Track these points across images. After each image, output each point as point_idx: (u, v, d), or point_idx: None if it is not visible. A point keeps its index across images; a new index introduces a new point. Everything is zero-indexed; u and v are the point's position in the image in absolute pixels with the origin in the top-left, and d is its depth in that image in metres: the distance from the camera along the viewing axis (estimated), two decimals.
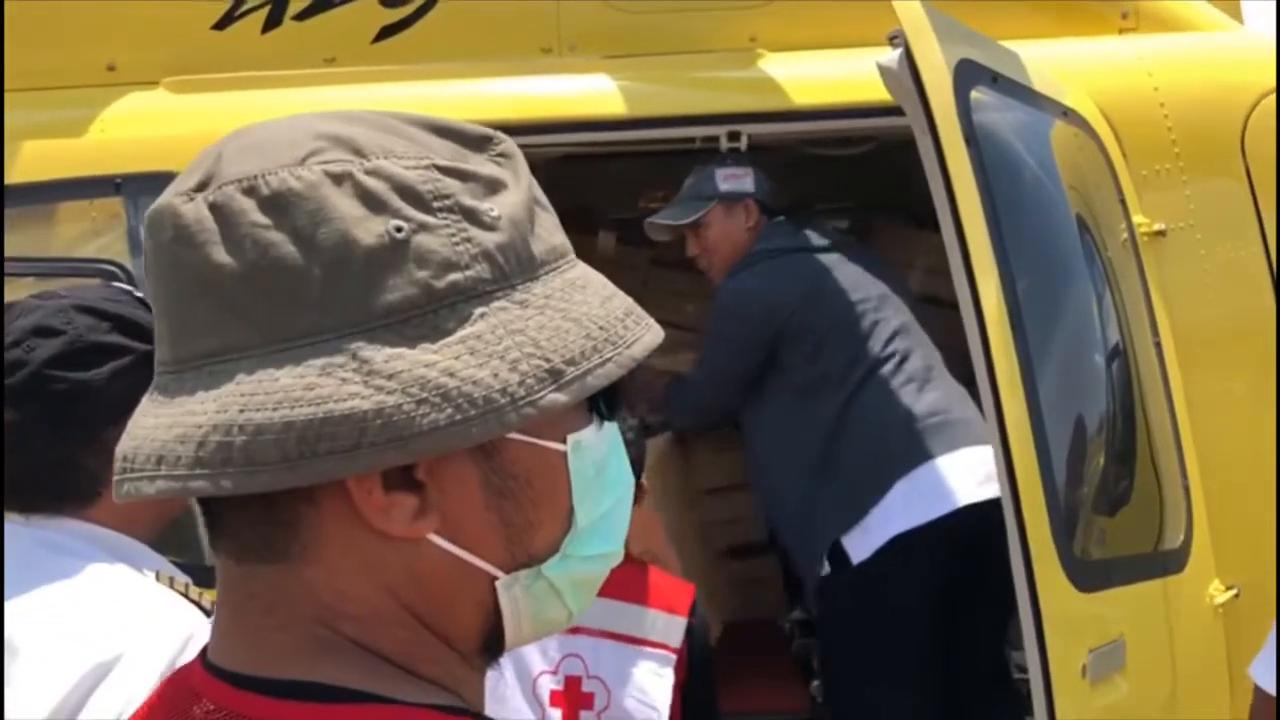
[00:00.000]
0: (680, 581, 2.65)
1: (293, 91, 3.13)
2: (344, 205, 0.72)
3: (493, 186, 0.78)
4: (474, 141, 0.80)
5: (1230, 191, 2.94)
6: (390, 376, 0.70)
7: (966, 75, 2.30)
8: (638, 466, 2.63)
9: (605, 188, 4.50)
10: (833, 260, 3.24)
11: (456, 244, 0.75)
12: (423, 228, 0.74)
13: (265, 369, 0.70)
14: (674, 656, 2.52)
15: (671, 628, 2.52)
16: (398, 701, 0.72)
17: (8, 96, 3.02)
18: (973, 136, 2.26)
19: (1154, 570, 2.64)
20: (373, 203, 0.72)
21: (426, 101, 3.12)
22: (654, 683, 2.50)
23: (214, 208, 0.72)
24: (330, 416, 0.68)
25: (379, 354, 0.70)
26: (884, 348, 3.10)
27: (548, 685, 2.46)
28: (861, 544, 3.01)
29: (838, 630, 3.16)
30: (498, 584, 0.78)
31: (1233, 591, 2.84)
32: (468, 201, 0.77)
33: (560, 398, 0.75)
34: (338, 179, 0.72)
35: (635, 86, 3.06)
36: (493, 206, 0.77)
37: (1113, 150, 2.85)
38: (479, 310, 0.74)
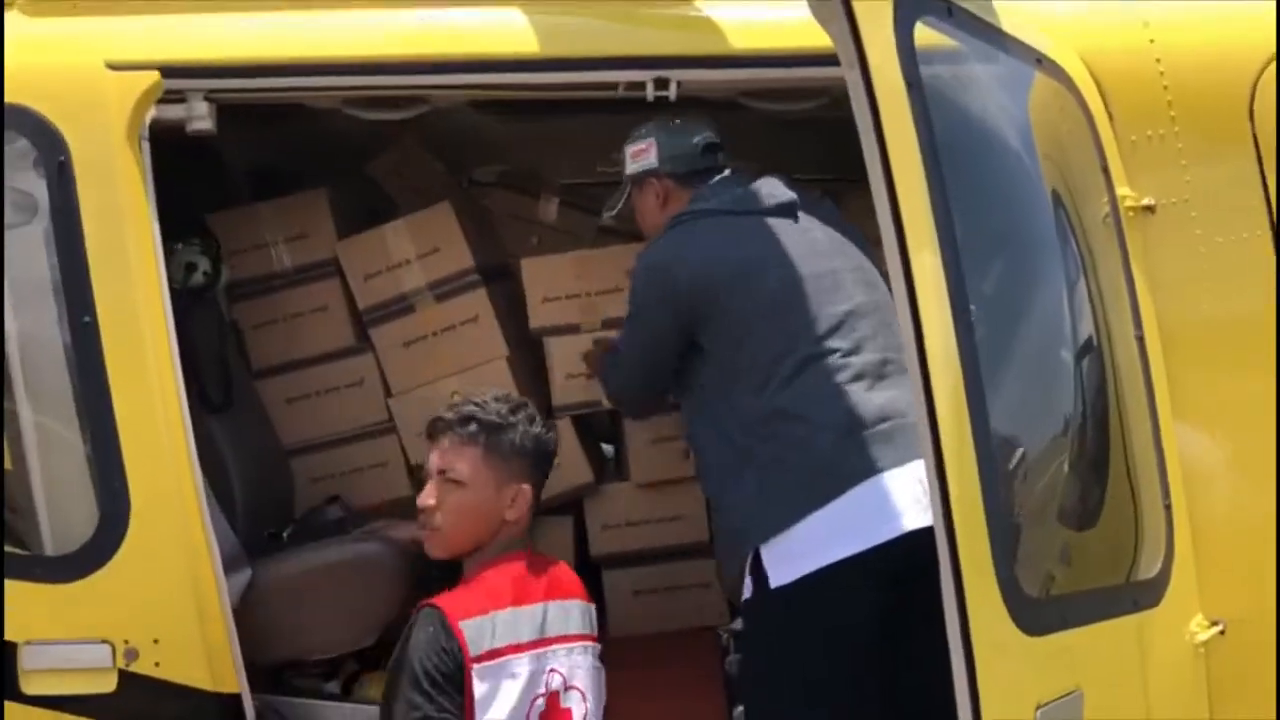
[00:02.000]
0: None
1: (162, 19, 2.74)
2: None
3: None
4: None
5: (1234, 164, 2.54)
6: None
7: (911, 2, 1.89)
8: (547, 459, 2.59)
9: (555, 150, 4.13)
10: (772, 225, 2.74)
11: None
12: None
13: None
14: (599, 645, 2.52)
15: (591, 615, 2.52)
16: None
17: None
18: (915, 78, 1.85)
19: (1122, 605, 2.25)
20: None
21: (319, 32, 2.74)
22: (599, 679, 2.50)
23: None
24: None
25: None
26: (828, 335, 2.63)
27: (539, 709, 2.39)
28: (785, 566, 2.55)
29: (756, 658, 2.74)
30: None
31: (1218, 628, 2.45)
32: None
33: None
34: None
35: (551, 22, 2.67)
36: None
37: (1097, 110, 2.46)
38: None
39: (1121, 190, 2.47)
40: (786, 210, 2.80)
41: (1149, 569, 2.38)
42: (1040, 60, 2.33)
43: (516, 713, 2.33)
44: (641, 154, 2.92)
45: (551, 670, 2.38)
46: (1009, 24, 2.25)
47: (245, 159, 3.98)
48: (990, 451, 1.89)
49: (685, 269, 2.71)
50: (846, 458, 2.52)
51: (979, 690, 1.79)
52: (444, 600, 2.35)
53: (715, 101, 2.94)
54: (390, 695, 2.33)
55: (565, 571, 2.58)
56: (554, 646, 2.38)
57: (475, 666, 2.30)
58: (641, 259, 2.87)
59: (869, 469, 2.51)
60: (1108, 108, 2.53)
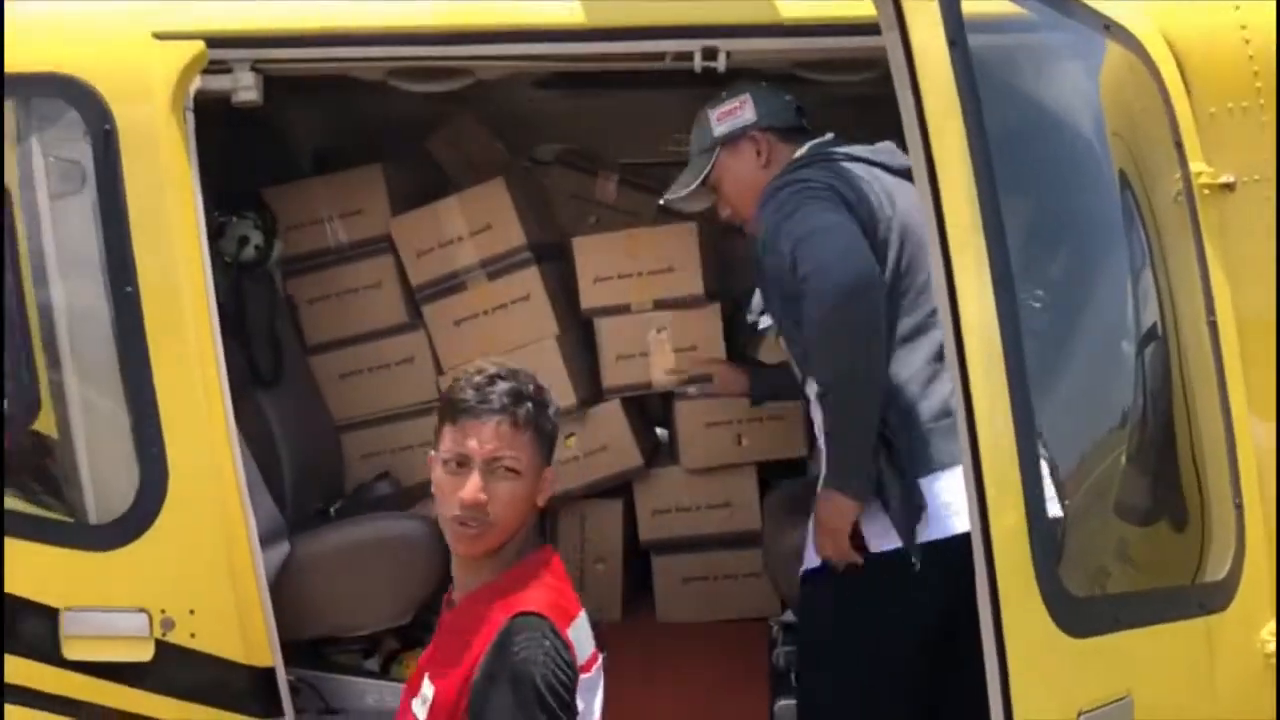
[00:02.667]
0: None
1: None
2: None
3: None
4: None
5: None
6: None
7: None
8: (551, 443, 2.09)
9: (615, 128, 4.05)
10: (901, 184, 2.48)
11: None
12: None
13: None
14: None
15: None
16: None
17: None
18: (960, 38, 1.73)
19: (1184, 608, 2.10)
20: None
21: (364, 3, 2.69)
22: None
23: None
24: None
25: None
26: (936, 313, 2.38)
27: None
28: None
29: (811, 630, 2.63)
30: None
31: None
32: None
33: None
34: None
35: None
36: None
37: (1171, 80, 2.29)
38: None
39: (1196, 166, 2.30)
40: (908, 176, 2.50)
41: (1216, 571, 2.22)
42: (1108, 26, 2.18)
43: None
44: (734, 112, 2.71)
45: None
46: None
47: (309, 136, 4.00)
48: (1033, 441, 1.77)
49: (840, 189, 2.41)
50: (939, 441, 2.34)
51: (1011, 690, 1.68)
52: (538, 606, 1.94)
53: (767, 75, 2.83)
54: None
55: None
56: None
57: (580, 679, 1.95)
58: (778, 190, 2.47)
59: (956, 457, 2.23)
60: (1185, 79, 2.36)
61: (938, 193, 1.72)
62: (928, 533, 2.34)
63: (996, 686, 1.71)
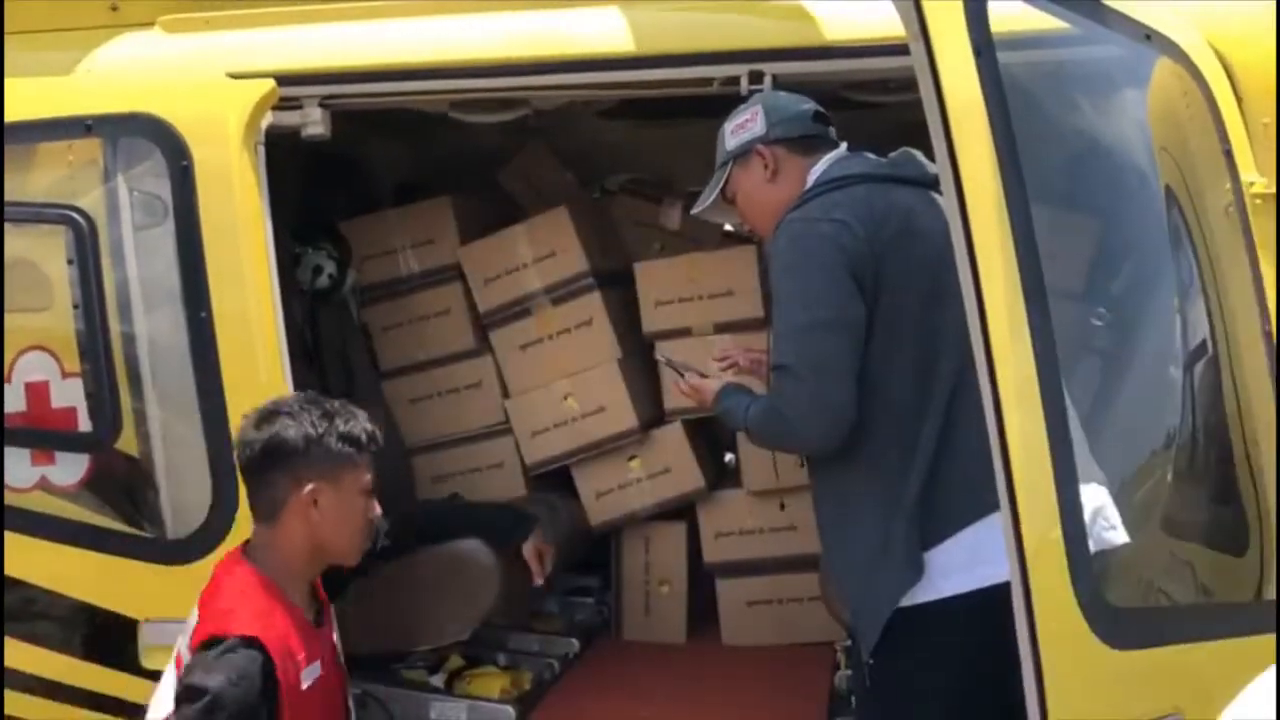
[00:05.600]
0: None
1: (281, 31, 2.87)
2: None
3: None
4: None
5: None
6: None
7: None
8: None
9: (682, 156, 4.12)
10: (930, 198, 2.29)
11: None
12: None
13: None
14: None
15: None
16: None
17: (9, 39, 2.91)
18: (986, 46, 1.74)
19: (1241, 625, 2.03)
20: None
21: (423, 39, 2.81)
22: None
23: None
24: None
25: None
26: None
27: None
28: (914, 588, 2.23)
29: (879, 670, 2.34)
30: None
31: None
32: None
33: None
34: None
35: (643, 19, 2.66)
36: None
37: (1219, 88, 2.26)
38: None
39: (1248, 176, 2.26)
40: (936, 188, 2.28)
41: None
42: (1149, 36, 2.17)
43: None
44: (746, 125, 2.57)
45: None
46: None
47: (392, 170, 4.17)
48: (1067, 451, 1.76)
49: (849, 232, 2.26)
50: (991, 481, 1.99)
51: (1046, 696, 1.66)
52: None
53: (816, 98, 2.86)
54: None
55: None
56: None
57: None
58: (786, 231, 2.35)
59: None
60: (1237, 90, 2.33)
61: (965, 207, 1.73)
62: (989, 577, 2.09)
63: (1033, 694, 1.69)
